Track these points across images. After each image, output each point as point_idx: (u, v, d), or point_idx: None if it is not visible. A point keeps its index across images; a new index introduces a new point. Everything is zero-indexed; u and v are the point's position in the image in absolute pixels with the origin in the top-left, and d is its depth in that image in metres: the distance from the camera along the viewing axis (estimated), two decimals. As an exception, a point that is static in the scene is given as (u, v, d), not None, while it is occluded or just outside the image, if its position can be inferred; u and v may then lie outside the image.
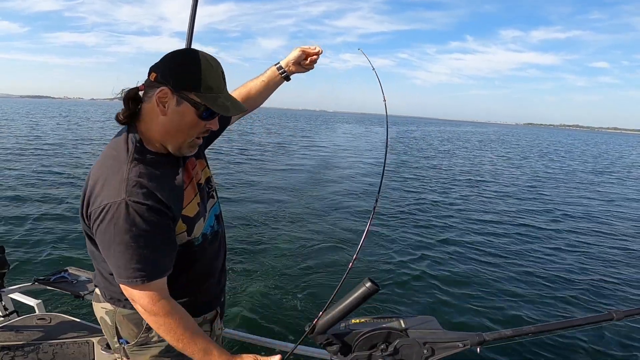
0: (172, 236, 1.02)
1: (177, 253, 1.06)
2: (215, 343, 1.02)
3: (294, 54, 1.40)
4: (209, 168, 1.26)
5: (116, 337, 1.14)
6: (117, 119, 1.03)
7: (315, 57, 1.42)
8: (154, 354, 1.15)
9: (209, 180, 1.23)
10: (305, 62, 1.43)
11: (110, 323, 1.14)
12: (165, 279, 1.00)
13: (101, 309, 1.15)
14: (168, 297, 1.00)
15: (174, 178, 1.06)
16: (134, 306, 1.01)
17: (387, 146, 1.35)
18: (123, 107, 1.03)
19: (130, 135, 1.03)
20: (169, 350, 1.15)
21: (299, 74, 1.47)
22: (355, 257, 1.04)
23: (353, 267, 1.02)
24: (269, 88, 1.44)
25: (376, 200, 1.17)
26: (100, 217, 0.94)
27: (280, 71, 1.42)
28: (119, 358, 1.17)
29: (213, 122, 1.03)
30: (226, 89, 1.05)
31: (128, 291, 0.99)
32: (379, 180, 1.25)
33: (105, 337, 1.19)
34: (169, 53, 1.04)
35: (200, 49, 1.06)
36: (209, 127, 1.04)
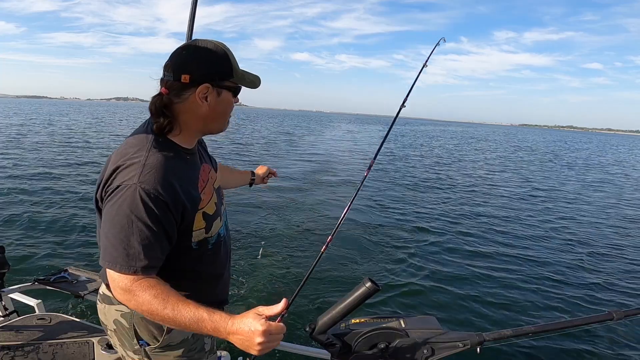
0: (171, 232, 1.00)
1: (192, 252, 1.09)
2: (204, 307, 0.94)
3: (263, 170, 1.86)
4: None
5: (135, 339, 1.12)
6: (155, 130, 1.06)
7: (272, 175, 1.92)
8: (177, 355, 1.14)
9: (219, 188, 1.31)
10: (265, 180, 1.89)
11: (127, 325, 1.11)
12: (144, 274, 0.96)
13: (115, 312, 1.12)
14: (144, 287, 0.95)
15: (192, 169, 1.11)
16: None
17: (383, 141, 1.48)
18: (154, 117, 1.06)
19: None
20: (191, 349, 1.16)
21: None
22: (330, 240, 1.20)
23: (326, 254, 1.10)
24: (237, 183, 1.75)
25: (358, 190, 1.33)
26: (111, 195, 0.97)
27: (252, 176, 1.81)
28: (138, 359, 1.15)
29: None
30: None
31: (108, 272, 0.98)
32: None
33: (115, 338, 1.16)
34: (187, 50, 1.05)
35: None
36: (236, 101, 1.15)
